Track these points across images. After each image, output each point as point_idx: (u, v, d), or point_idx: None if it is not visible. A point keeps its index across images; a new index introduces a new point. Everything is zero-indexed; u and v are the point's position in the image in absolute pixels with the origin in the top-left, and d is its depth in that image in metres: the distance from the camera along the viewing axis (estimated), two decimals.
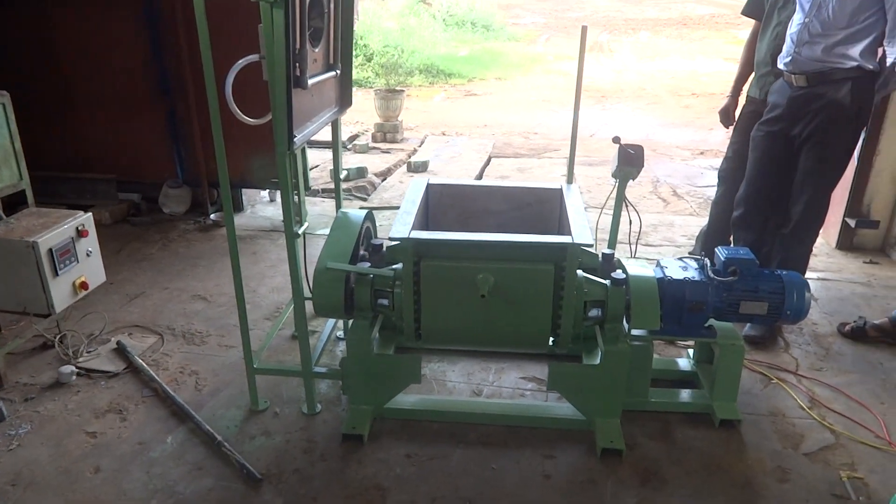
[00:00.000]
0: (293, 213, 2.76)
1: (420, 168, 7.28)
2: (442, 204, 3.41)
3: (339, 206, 3.61)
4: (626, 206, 3.41)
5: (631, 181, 3.32)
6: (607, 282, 2.99)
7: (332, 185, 6.25)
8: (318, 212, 5.83)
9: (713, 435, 3.06)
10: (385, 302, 3.01)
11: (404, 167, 7.46)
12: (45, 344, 3.66)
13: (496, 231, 3.37)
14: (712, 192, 6.61)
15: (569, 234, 2.81)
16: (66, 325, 3.79)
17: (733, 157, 4.26)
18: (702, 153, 8.44)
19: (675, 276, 3.04)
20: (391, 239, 2.77)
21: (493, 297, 2.77)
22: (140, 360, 3.53)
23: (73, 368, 3.43)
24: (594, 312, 2.99)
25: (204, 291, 4.34)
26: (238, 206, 5.68)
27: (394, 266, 3.03)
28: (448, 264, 2.80)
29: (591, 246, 2.73)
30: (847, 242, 5.13)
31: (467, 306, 2.84)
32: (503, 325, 2.90)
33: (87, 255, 3.46)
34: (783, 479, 2.81)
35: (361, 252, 3.20)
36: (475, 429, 3.07)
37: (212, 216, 5.43)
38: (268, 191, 5.89)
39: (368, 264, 3.01)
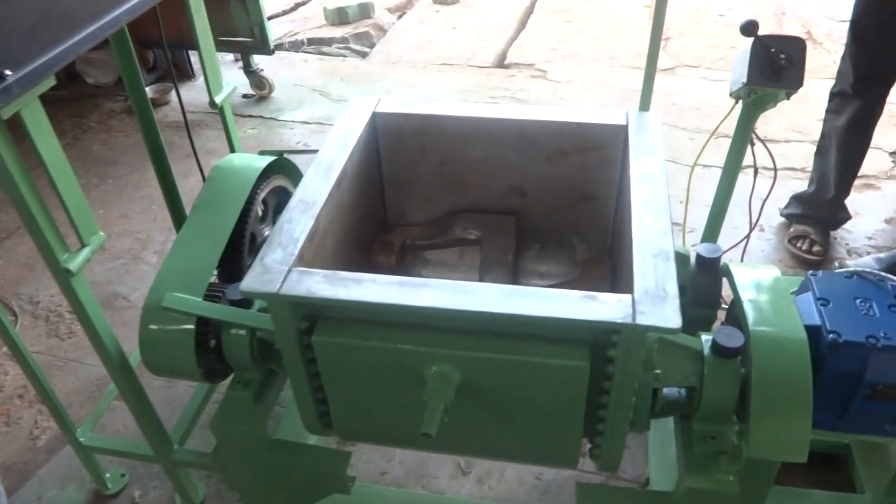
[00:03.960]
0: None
1: None
2: (406, 147, 1.84)
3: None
4: (753, 145, 1.84)
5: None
6: (704, 341, 1.48)
7: (320, 32, 4.60)
8: (295, 79, 4.18)
9: None
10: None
11: None
12: None
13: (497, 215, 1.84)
14: None
15: (628, 286, 1.27)
16: None
17: None
18: None
19: (845, 334, 1.48)
20: (243, 293, 1.31)
21: (463, 400, 1.34)
22: None
23: None
24: (672, 394, 1.54)
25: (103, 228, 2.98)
26: (185, 73, 4.10)
27: None
28: (365, 344, 1.34)
29: (675, 331, 1.19)
30: None
31: (409, 404, 1.42)
32: (483, 436, 1.48)
33: None
34: None
35: (265, 231, 1.78)
36: None
37: (148, 89, 3.92)
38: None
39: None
